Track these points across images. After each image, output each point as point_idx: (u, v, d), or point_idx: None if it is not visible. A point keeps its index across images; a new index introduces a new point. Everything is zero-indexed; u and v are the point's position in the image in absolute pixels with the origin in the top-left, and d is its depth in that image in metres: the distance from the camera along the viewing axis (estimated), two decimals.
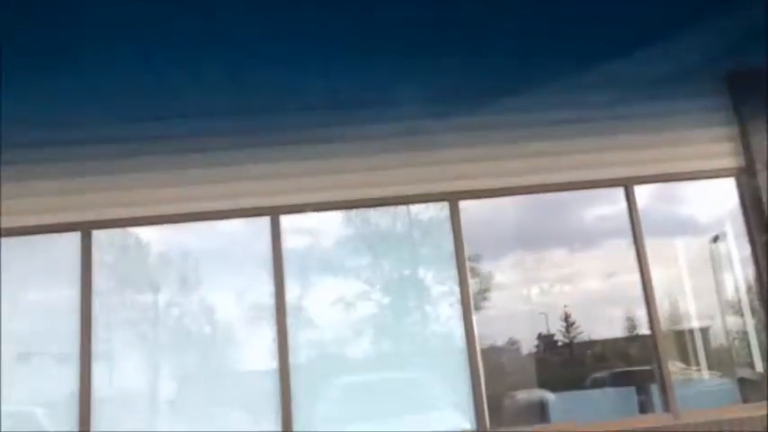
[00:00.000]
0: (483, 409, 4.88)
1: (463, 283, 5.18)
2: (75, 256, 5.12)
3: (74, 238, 5.16)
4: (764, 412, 4.80)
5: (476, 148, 5.37)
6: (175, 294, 5.28)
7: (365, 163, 5.35)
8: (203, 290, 5.28)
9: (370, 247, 5.55)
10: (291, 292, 5.25)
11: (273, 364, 4.98)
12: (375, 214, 5.55)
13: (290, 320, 5.16)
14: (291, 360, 5.02)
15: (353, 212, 5.51)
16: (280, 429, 4.83)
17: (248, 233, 5.35)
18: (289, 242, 5.30)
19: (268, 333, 5.07)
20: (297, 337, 5.17)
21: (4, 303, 5.01)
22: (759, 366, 5.29)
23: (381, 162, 5.36)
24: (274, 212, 5.26)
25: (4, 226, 5.07)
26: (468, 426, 4.89)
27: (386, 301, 5.49)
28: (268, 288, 5.15)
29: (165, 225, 5.27)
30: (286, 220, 5.30)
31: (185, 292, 5.29)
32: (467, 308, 5.13)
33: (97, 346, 4.98)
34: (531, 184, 5.36)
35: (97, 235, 5.20)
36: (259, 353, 5.09)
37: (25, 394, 4.87)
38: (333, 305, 5.33)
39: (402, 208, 5.57)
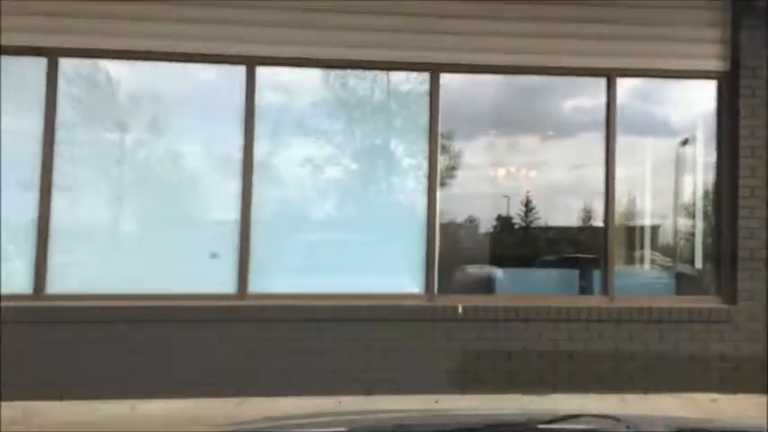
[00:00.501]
0: (433, 277, 5.13)
1: (432, 157, 5.23)
2: (41, 84, 4.99)
3: (40, 64, 5.00)
4: (690, 305, 5.15)
5: (462, 19, 5.21)
6: (143, 136, 5.23)
7: (349, 21, 5.16)
8: (172, 135, 5.23)
9: (345, 113, 5.50)
10: (261, 149, 5.24)
11: (236, 216, 5.08)
12: (354, 80, 5.46)
13: (257, 176, 5.20)
14: (255, 215, 5.12)
15: (332, 75, 5.40)
16: (236, 272, 5.02)
17: (223, 83, 5.22)
18: (263, 98, 5.22)
19: (233, 186, 5.12)
20: (263, 193, 5.24)
21: None
22: (698, 264, 5.60)
23: (366, 22, 5.17)
24: (250, 63, 5.12)
25: None
26: (416, 290, 5.16)
27: (354, 167, 5.56)
28: (237, 141, 5.13)
29: (135, 62, 5.11)
30: (262, 74, 5.18)
31: (153, 135, 5.25)
32: (433, 182, 5.22)
33: (59, 179, 4.99)
34: (515, 64, 5.27)
35: (64, 64, 5.04)
36: (222, 204, 5.17)
37: None
38: (302, 165, 5.37)
39: (382, 77, 5.46)
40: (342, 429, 1.22)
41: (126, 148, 5.21)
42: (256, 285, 5.05)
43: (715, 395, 4.96)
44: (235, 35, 5.07)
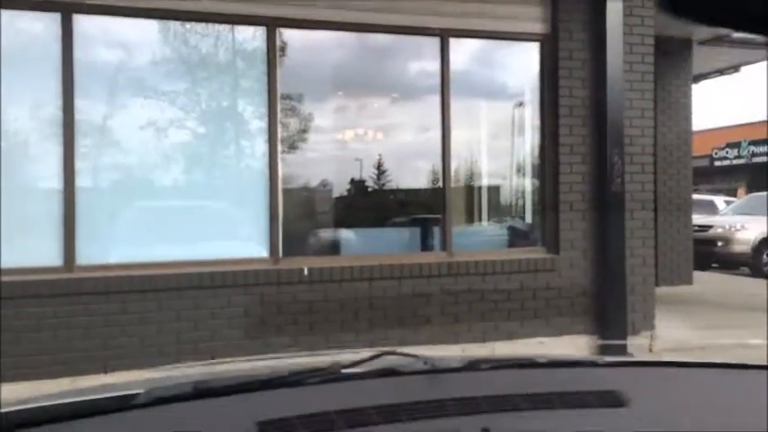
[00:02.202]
0: (278, 240, 5.07)
1: (272, 119, 5.11)
2: None
3: None
4: (519, 256, 5.56)
5: None
6: None
7: None
8: None
9: (188, 72, 5.21)
10: (96, 110, 4.86)
11: (59, 183, 4.66)
12: (195, 36, 5.16)
13: (91, 140, 4.82)
14: (84, 182, 4.75)
15: (171, 32, 5.07)
16: (61, 243, 4.64)
17: (40, 33, 4.71)
18: (93, 53, 4.82)
19: (57, 150, 4.68)
20: (96, 158, 4.88)
21: None
22: (528, 219, 6.05)
23: None
24: (66, 10, 4.64)
25: None
26: (263, 254, 5.09)
27: (201, 130, 5.31)
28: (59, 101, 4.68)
29: None
30: (84, 24, 4.73)
31: None
32: (273, 145, 5.11)
33: None
34: (352, 21, 5.25)
35: None
36: (45, 171, 4.73)
37: None
38: (143, 129, 5.02)
39: (226, 34, 5.23)
40: (138, 391, 1.15)
41: None
42: (86, 257, 4.69)
43: (543, 339, 5.42)
44: None
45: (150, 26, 4.99)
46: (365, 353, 1.30)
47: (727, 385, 1.27)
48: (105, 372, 4.54)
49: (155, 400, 1.08)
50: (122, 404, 1.09)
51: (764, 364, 1.37)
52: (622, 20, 5.06)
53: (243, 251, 5.08)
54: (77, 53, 4.71)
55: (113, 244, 4.87)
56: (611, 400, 1.10)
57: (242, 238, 5.20)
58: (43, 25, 4.71)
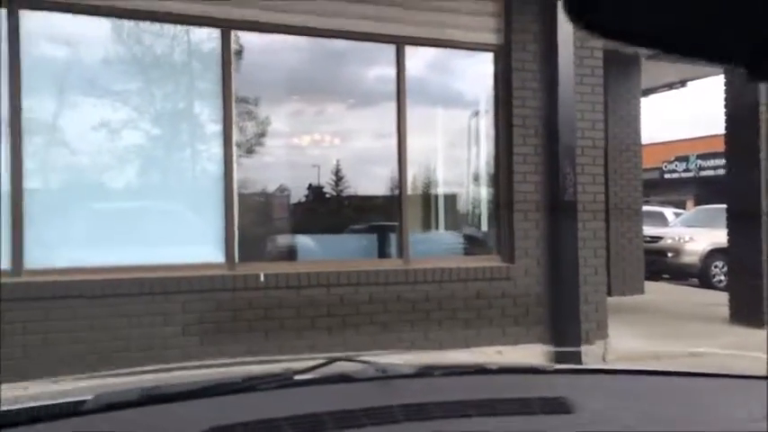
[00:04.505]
0: (233, 245, 5.02)
1: (227, 122, 5.05)
2: None
3: None
4: (476, 264, 5.63)
5: None
6: None
7: None
8: None
9: (141, 72, 5.12)
10: (45, 109, 4.74)
11: (5, 185, 4.51)
12: (150, 36, 5.07)
13: (40, 140, 4.68)
14: (32, 183, 4.61)
15: (125, 30, 4.97)
16: (9, 246, 4.48)
17: None
18: (41, 50, 4.69)
19: (4, 150, 4.54)
20: (45, 159, 4.76)
21: None
22: (484, 227, 6.13)
23: None
24: (12, 5, 4.49)
25: None
26: (218, 260, 5.02)
27: (156, 132, 5.21)
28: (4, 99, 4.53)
29: None
30: (34, 21, 4.60)
31: None
32: (228, 148, 5.05)
33: None
34: (307, 26, 5.22)
35: None
36: None
37: None
38: (95, 129, 4.90)
39: (182, 35, 5.16)
40: (87, 397, 1.13)
41: None
42: (34, 261, 4.55)
43: (500, 347, 5.48)
44: None
45: (102, 24, 4.88)
46: (319, 360, 1.31)
47: (673, 392, 1.32)
48: (54, 378, 4.39)
49: (103, 407, 1.07)
50: (71, 410, 1.07)
51: (712, 372, 1.43)
52: (573, 32, 5.20)
53: (198, 256, 4.99)
54: (25, 50, 4.57)
55: (64, 247, 4.73)
56: (557, 406, 1.13)
57: (197, 242, 5.12)
58: None
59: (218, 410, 1.07)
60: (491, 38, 5.73)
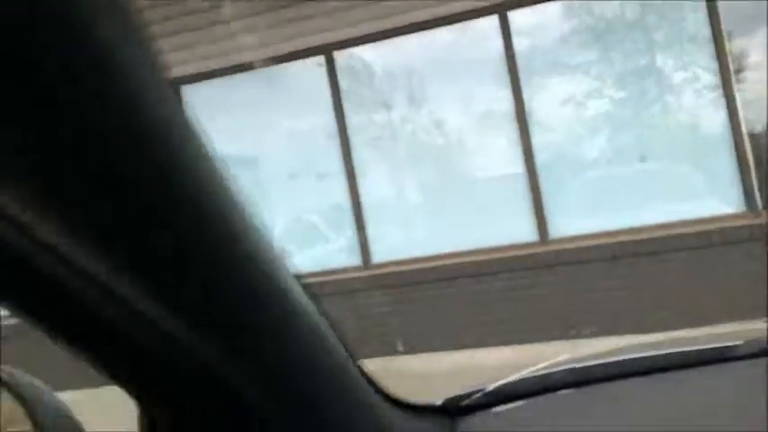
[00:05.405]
0: (753, 190, 4.47)
1: (722, 59, 4.55)
2: (319, 85, 5.37)
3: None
4: None
5: None
6: (406, 110, 5.38)
7: None
8: (431, 103, 5.30)
9: (597, 40, 5.07)
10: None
11: (513, 169, 4.98)
12: (598, 4, 4.99)
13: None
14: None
15: (576, 3, 5.01)
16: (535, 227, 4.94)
17: (467, 37, 5.15)
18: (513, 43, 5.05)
19: (501, 139, 5.03)
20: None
21: (266, 132, 5.58)
22: None
23: None
24: (501, 9, 4.96)
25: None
26: (730, 210, 4.55)
27: (620, 95, 5.09)
28: (496, 94, 5.00)
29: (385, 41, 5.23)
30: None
31: (415, 108, 5.37)
32: (728, 89, 4.57)
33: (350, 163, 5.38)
34: None
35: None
36: (497, 159, 5.11)
37: (299, 205, 5.56)
38: (563, 105, 5.06)
39: None
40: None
41: (394, 125, 5.39)
42: (557, 229, 4.88)
43: None
44: None
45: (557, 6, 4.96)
46: None
47: None
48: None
49: None
50: None
51: None
52: None
53: (705, 209, 4.64)
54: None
55: (574, 214, 4.95)
56: None
57: (699, 195, 4.74)
58: (473, 31, 5.11)
59: None
60: None
